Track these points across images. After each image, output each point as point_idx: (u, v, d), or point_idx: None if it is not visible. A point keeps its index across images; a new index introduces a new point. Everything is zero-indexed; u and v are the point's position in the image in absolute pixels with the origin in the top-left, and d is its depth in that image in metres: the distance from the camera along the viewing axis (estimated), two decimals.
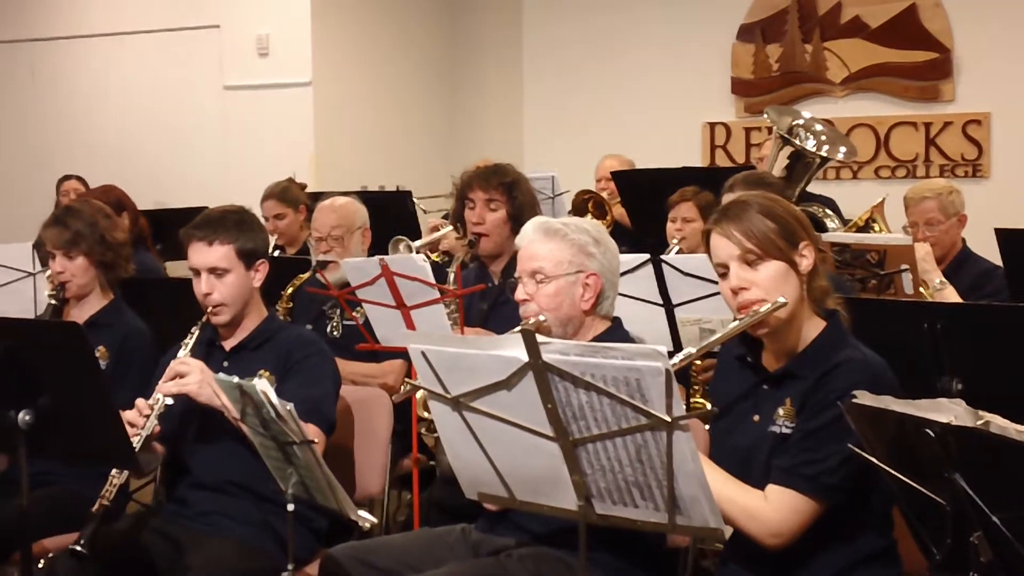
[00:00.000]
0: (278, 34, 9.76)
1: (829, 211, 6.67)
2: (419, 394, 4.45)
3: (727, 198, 4.71)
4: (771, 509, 2.95)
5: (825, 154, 6.79)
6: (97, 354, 4.24)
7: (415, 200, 7.90)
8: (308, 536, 3.87)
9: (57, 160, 9.98)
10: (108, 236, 4.53)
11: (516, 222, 4.78)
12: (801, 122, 6.91)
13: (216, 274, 3.91)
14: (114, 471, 3.79)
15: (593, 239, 3.55)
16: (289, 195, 6.97)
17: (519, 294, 3.58)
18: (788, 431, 3.02)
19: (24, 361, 3.48)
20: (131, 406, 3.75)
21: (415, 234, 7.41)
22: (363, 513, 3.33)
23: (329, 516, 3.81)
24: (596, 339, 3.51)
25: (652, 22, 10.42)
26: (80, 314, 4.52)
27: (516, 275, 3.63)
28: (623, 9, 10.53)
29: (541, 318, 3.50)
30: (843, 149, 7.03)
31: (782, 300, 2.99)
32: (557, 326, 3.51)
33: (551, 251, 3.53)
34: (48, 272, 4.65)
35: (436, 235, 5.16)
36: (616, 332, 3.58)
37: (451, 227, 5.21)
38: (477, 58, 11.23)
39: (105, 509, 3.73)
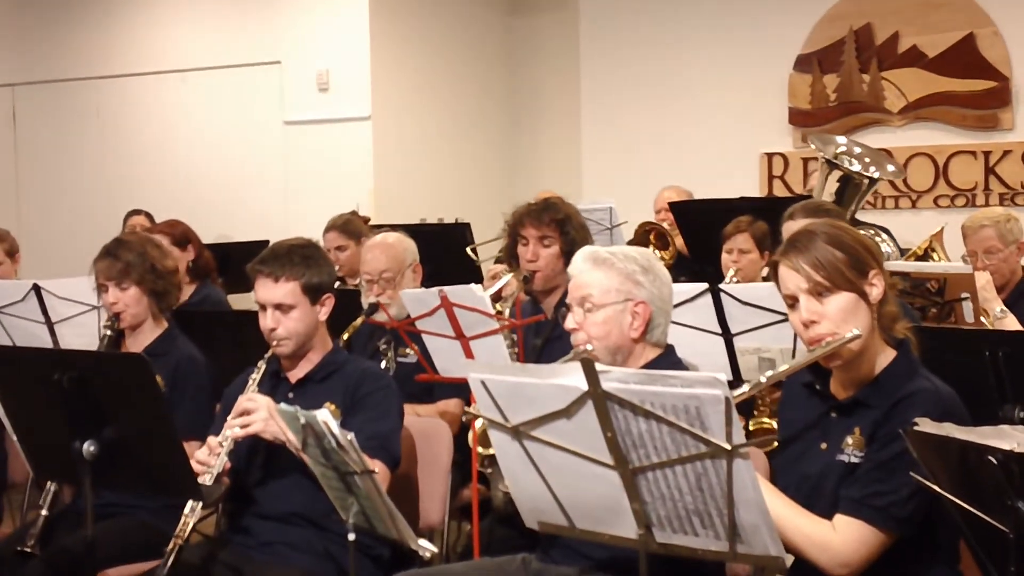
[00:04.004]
0: (338, 70, 9.84)
1: (883, 235, 6.64)
2: (474, 430, 4.49)
3: (788, 227, 4.70)
4: (840, 540, 2.93)
5: (873, 175, 6.77)
6: None
7: (473, 250, 7.87)
8: (370, 565, 3.87)
9: (122, 195, 10.10)
10: (158, 265, 4.58)
11: (569, 257, 4.80)
12: (844, 148, 6.90)
13: (282, 310, 3.94)
14: (188, 508, 3.80)
15: (641, 267, 3.53)
16: (351, 227, 7.04)
17: (569, 323, 3.58)
18: (856, 460, 2.99)
19: (89, 392, 3.52)
20: (185, 433, 3.78)
21: (471, 266, 7.44)
22: (424, 542, 3.35)
23: (391, 546, 3.81)
24: (647, 366, 3.48)
25: (709, 54, 10.40)
26: (136, 344, 4.56)
27: (567, 303, 3.64)
28: (680, 42, 10.52)
29: (588, 347, 3.49)
30: (890, 168, 7.00)
31: (856, 332, 2.96)
32: (606, 354, 3.48)
33: (599, 280, 3.52)
34: None
35: (499, 284, 5.20)
36: (668, 359, 3.56)
37: (511, 275, 5.25)
38: (535, 90, 11.26)
39: (179, 547, 3.74)
